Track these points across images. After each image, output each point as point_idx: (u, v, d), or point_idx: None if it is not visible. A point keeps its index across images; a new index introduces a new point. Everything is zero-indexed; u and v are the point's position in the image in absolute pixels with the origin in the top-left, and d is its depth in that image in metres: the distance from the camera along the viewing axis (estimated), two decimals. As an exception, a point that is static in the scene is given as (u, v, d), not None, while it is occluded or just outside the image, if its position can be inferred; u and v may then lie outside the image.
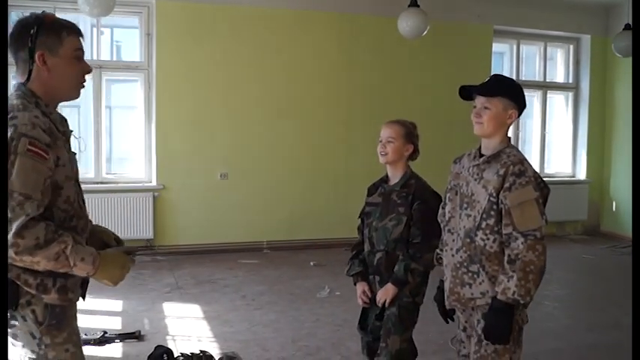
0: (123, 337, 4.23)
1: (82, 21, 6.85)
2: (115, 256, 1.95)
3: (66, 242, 1.78)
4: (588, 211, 8.81)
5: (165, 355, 3.67)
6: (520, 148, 2.71)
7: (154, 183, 6.93)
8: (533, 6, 8.13)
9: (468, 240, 2.39)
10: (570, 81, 8.98)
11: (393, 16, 6.46)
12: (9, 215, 1.71)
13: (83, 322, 4.29)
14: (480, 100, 2.40)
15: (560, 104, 9.08)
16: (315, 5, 7.31)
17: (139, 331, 4.32)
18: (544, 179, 2.43)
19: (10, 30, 1.95)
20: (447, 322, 2.69)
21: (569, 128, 8.98)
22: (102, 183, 6.84)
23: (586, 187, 8.82)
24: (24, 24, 1.89)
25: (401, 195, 2.89)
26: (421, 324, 2.99)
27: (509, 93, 2.40)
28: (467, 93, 2.44)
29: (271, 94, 7.19)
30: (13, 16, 5.93)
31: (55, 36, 1.90)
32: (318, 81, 7.40)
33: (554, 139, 9.08)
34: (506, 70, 8.72)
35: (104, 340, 4.14)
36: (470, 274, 2.39)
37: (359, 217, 3.11)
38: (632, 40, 6.60)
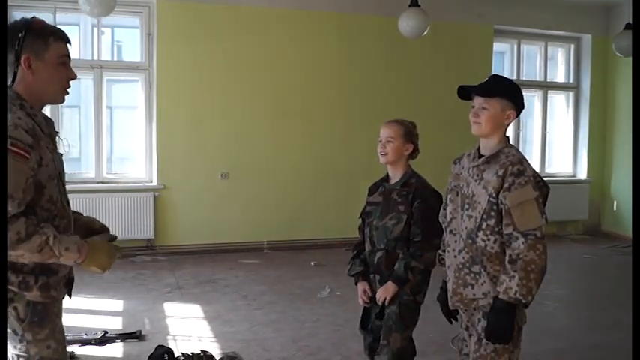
0: (124, 336, 4.23)
1: (83, 21, 6.86)
2: (102, 244, 2.02)
3: (47, 234, 1.83)
4: (589, 210, 8.80)
5: (165, 355, 3.68)
6: (521, 148, 2.72)
7: (154, 183, 6.94)
8: (534, 6, 8.13)
9: (470, 241, 2.40)
10: (571, 81, 8.97)
11: (394, 16, 6.46)
12: None
13: (84, 321, 4.34)
14: (478, 101, 2.40)
15: (560, 104, 9.07)
16: (315, 5, 7.31)
17: (140, 331, 4.32)
18: (544, 179, 2.43)
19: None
20: (451, 323, 2.69)
21: (570, 128, 8.97)
22: (103, 183, 6.82)
23: (587, 186, 8.82)
24: (13, 27, 1.94)
25: (401, 194, 2.90)
26: (422, 324, 2.99)
27: (508, 93, 2.40)
28: (465, 93, 2.44)
29: (272, 94, 7.19)
30: (16, 16, 5.93)
31: (42, 41, 1.95)
32: (318, 81, 7.40)
33: (554, 139, 9.06)
34: (507, 69, 8.71)
35: (105, 339, 4.14)
36: (472, 275, 2.40)
37: (360, 216, 3.11)
38: (633, 40, 6.60)
